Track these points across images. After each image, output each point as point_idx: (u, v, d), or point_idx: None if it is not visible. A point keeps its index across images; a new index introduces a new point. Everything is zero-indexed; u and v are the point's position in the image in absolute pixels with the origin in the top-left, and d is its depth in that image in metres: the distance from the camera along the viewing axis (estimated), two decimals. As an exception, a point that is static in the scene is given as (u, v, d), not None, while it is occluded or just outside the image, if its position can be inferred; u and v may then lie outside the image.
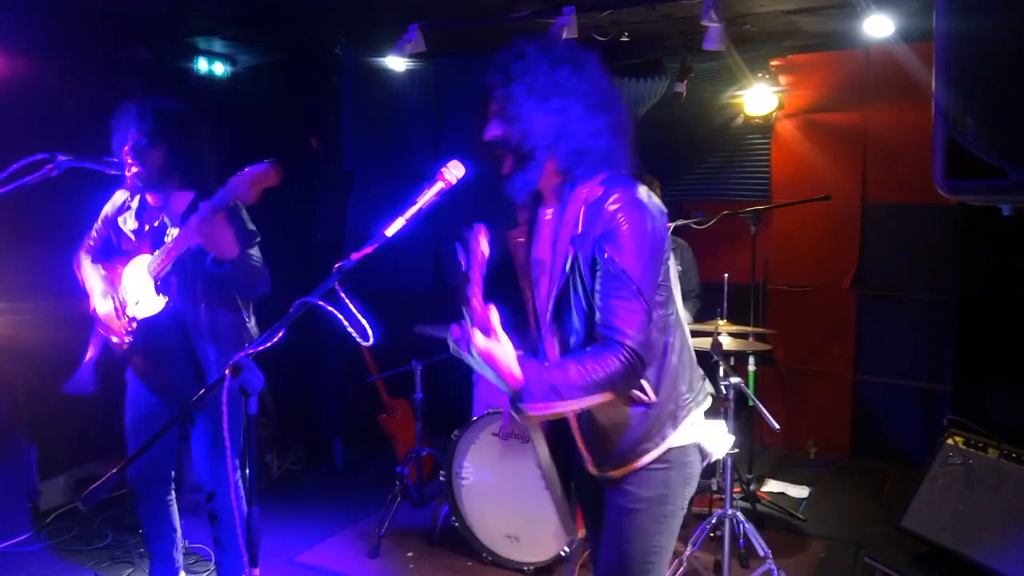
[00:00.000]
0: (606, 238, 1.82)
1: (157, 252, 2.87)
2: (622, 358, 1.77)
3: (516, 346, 1.80)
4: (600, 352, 1.79)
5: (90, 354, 3.12)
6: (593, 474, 2.06)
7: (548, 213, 2.04)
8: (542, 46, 1.92)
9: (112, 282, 3.04)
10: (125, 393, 3.15)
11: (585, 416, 1.98)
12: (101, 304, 3.06)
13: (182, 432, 3.31)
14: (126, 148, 2.88)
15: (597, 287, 1.84)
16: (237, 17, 4.47)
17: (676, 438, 2.00)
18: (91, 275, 3.10)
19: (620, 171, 1.93)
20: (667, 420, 1.98)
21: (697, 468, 2.09)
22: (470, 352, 1.74)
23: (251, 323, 3.15)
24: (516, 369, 1.74)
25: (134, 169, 2.89)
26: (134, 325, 2.98)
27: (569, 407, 1.78)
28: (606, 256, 1.81)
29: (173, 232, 2.89)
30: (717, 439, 2.11)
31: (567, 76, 1.88)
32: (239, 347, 3.06)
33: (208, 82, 5.23)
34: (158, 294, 2.90)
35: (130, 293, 2.97)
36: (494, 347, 1.73)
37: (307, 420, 5.29)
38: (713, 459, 2.14)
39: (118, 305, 3.02)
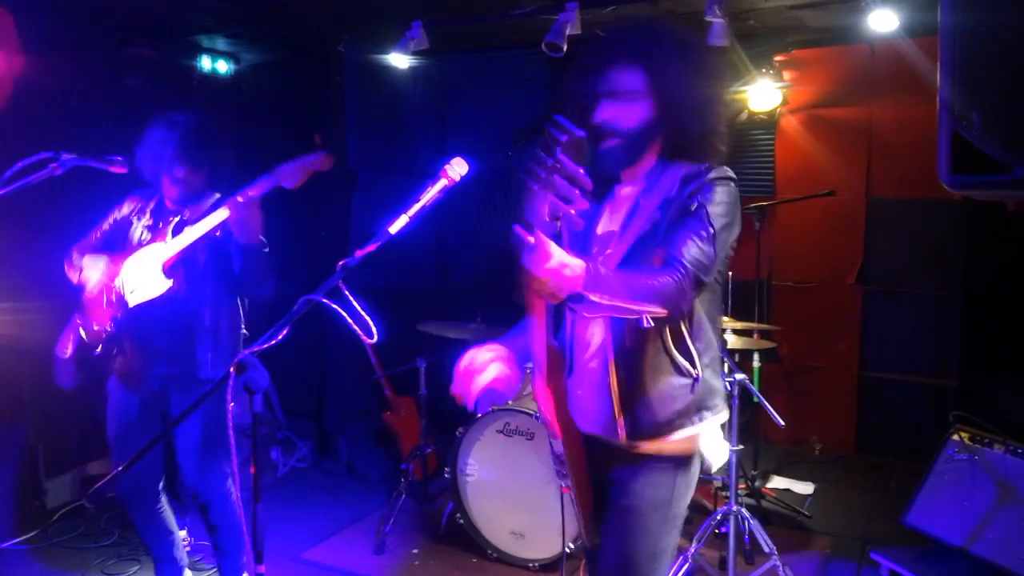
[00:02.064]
0: (699, 194, 1.87)
1: (172, 240, 2.89)
2: (676, 276, 1.77)
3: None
4: (657, 269, 1.80)
5: (69, 351, 3.07)
6: (621, 445, 1.98)
7: (627, 190, 2.03)
8: (671, 31, 1.95)
9: (111, 272, 3.02)
10: (107, 404, 3.10)
11: (629, 382, 1.95)
12: (95, 286, 3.01)
13: (170, 434, 3.29)
14: (165, 170, 2.95)
15: (677, 228, 1.86)
16: (240, 15, 4.47)
17: (706, 426, 2.00)
18: (89, 264, 3.05)
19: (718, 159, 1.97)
20: (704, 404, 1.99)
21: (697, 474, 2.09)
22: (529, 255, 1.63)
23: (245, 333, 3.18)
24: (574, 262, 1.65)
25: (172, 186, 2.99)
26: (120, 312, 2.97)
27: (617, 305, 1.71)
28: (695, 205, 1.85)
29: (190, 229, 2.91)
30: (717, 450, 2.11)
31: (695, 58, 1.93)
32: (233, 353, 3.08)
33: (212, 80, 5.24)
34: (165, 278, 2.91)
35: (128, 281, 2.95)
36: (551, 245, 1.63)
37: (312, 417, 5.30)
38: (711, 469, 2.13)
39: (109, 294, 3.00)
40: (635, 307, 1.74)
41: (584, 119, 1.96)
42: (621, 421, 1.97)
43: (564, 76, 2.09)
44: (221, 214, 2.80)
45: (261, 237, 2.85)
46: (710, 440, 2.07)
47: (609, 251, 1.98)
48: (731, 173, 1.95)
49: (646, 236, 1.91)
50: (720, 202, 1.88)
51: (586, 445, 2.07)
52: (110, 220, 3.14)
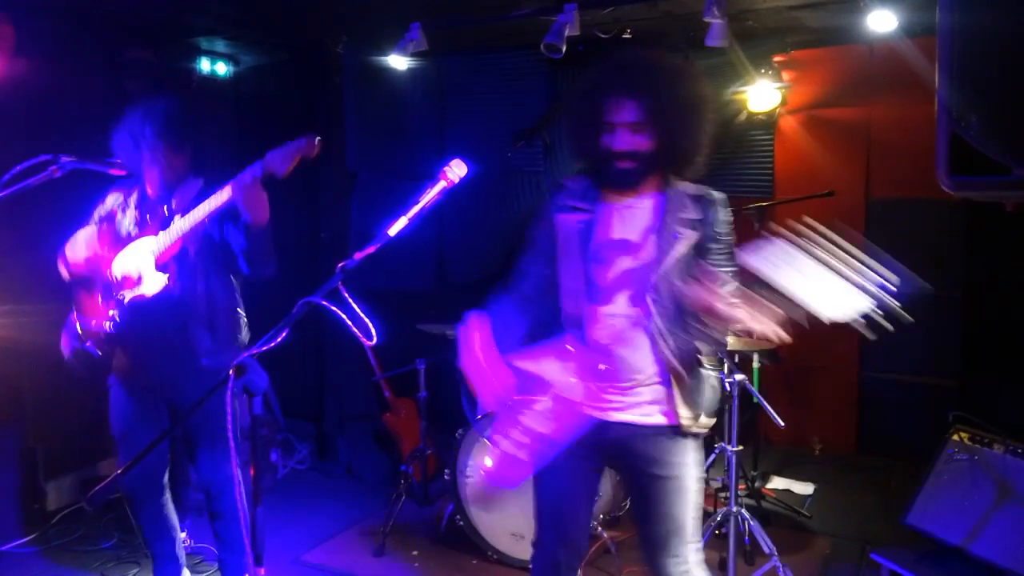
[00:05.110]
0: (719, 225, 2.27)
1: (163, 233, 2.88)
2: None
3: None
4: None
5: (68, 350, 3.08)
6: (682, 426, 2.25)
7: (642, 202, 2.29)
8: (676, 62, 2.28)
9: (101, 267, 3.00)
10: (109, 402, 3.10)
11: (688, 381, 2.24)
12: (83, 251, 3.00)
13: (180, 434, 3.28)
14: (144, 153, 2.91)
15: (724, 264, 2.26)
16: (239, 17, 4.47)
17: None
18: (70, 247, 3.04)
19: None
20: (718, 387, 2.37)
21: None
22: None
23: (242, 313, 3.16)
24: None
25: (151, 170, 2.94)
26: (117, 311, 2.96)
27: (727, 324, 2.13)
28: (722, 241, 2.27)
29: (180, 220, 2.89)
30: None
31: (701, 90, 2.24)
32: (232, 335, 3.08)
33: (210, 82, 5.24)
34: (159, 273, 2.89)
35: (122, 277, 2.94)
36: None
37: (311, 419, 5.30)
38: None
39: (104, 291, 2.99)
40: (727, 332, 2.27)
41: (593, 141, 2.23)
42: (684, 413, 2.24)
43: (568, 96, 2.40)
44: (221, 196, 2.76)
45: (269, 213, 2.83)
46: None
47: (632, 256, 2.24)
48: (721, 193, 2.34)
49: (688, 252, 2.22)
50: (732, 230, 2.30)
51: (614, 430, 2.28)
52: (95, 217, 3.11)
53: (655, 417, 2.26)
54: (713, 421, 2.33)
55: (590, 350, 2.26)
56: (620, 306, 2.24)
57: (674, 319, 2.20)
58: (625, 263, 2.24)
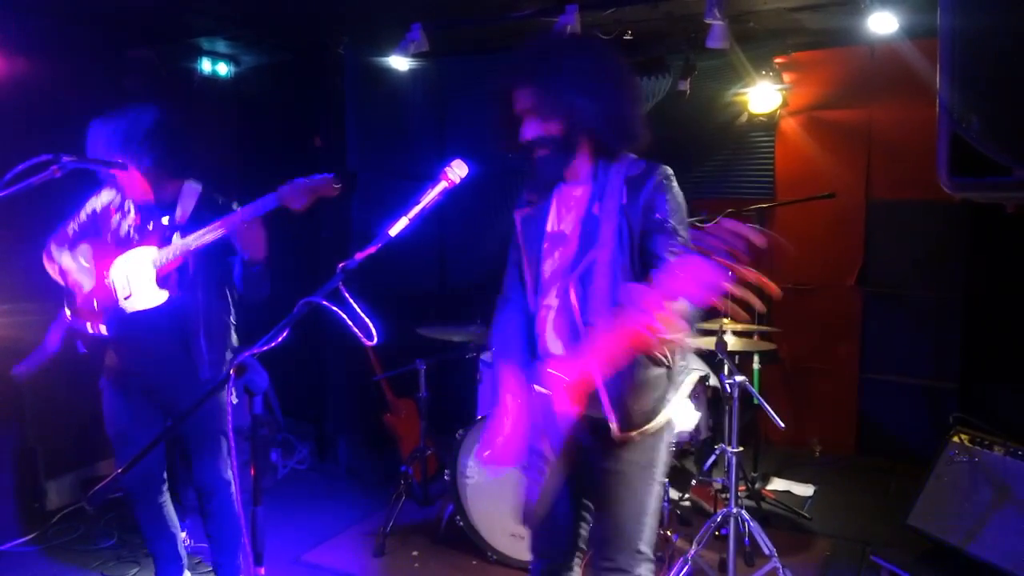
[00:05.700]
0: (657, 207, 2.06)
1: (167, 248, 2.88)
2: None
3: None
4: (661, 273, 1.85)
5: (56, 347, 3.06)
6: (615, 436, 2.14)
7: (576, 191, 2.21)
8: (563, 40, 2.20)
9: (98, 271, 2.99)
10: (102, 404, 3.09)
11: (616, 380, 2.09)
12: (86, 283, 3.00)
13: (173, 434, 3.28)
14: (133, 167, 2.88)
15: (650, 245, 2.06)
16: (240, 17, 4.48)
17: (675, 402, 2.23)
18: (72, 265, 3.03)
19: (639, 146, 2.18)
20: (673, 383, 2.22)
21: (672, 435, 2.32)
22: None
23: (233, 323, 3.17)
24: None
25: (138, 180, 2.92)
26: (111, 315, 2.95)
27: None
28: (657, 218, 2.05)
29: (181, 238, 2.89)
30: (686, 415, 2.22)
31: (594, 61, 2.11)
32: (226, 345, 3.10)
33: (211, 82, 5.24)
34: (160, 288, 2.90)
35: (119, 284, 2.94)
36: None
37: (312, 419, 5.30)
38: (679, 433, 2.31)
39: (100, 295, 2.99)
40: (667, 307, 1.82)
41: (513, 136, 2.18)
42: (613, 417, 2.13)
43: (485, 101, 2.32)
44: (219, 230, 2.77)
45: (266, 249, 2.84)
46: (678, 408, 2.28)
47: (563, 247, 2.18)
48: (668, 170, 2.14)
49: (614, 242, 2.09)
50: (675, 209, 2.09)
51: (573, 425, 2.20)
52: (87, 211, 3.09)
53: (594, 413, 2.17)
54: (660, 422, 2.20)
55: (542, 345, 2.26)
56: (551, 299, 2.21)
57: (601, 314, 2.06)
58: (558, 255, 2.19)
